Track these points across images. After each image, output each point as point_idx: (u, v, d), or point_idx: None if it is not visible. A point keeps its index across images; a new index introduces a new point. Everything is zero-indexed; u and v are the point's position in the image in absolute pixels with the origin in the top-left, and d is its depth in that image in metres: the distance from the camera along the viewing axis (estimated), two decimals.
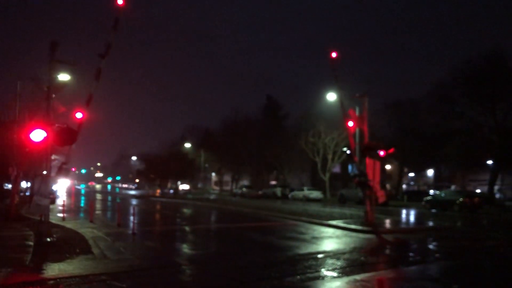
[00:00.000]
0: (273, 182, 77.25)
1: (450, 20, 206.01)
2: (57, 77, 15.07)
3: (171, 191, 73.64)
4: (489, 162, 46.33)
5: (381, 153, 19.33)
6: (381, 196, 19.75)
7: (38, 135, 13.06)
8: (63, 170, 14.29)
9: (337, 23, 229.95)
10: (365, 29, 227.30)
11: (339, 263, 11.47)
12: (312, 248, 14.20)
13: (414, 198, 45.85)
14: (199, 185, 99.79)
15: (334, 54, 19.25)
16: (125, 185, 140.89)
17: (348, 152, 21.99)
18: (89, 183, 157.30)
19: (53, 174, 14.19)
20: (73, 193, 68.95)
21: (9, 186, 33.78)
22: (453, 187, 56.94)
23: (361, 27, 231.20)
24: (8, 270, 10.01)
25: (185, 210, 33.78)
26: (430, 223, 23.47)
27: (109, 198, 55.85)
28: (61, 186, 60.79)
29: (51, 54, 14.16)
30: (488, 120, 42.42)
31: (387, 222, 22.69)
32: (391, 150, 20.65)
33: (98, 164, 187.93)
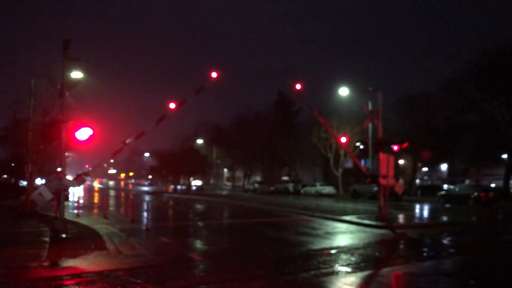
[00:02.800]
0: (285, 178, 77.15)
1: (465, 13, 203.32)
2: (70, 75, 15.20)
3: (183, 187, 73.96)
4: (504, 156, 45.73)
5: (395, 147, 19.16)
6: (399, 188, 19.52)
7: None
8: (80, 179, 14.47)
9: (349, 17, 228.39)
10: (378, 23, 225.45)
11: (353, 258, 11.42)
12: (325, 244, 14.16)
13: (428, 193, 45.46)
14: (211, 181, 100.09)
15: (298, 86, 19.39)
16: (136, 181, 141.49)
17: (361, 147, 21.91)
18: (98, 180, 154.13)
19: (69, 175, 14.34)
20: (86, 190, 69.61)
21: (24, 183, 34.26)
22: (467, 182, 56.35)
23: (374, 21, 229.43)
24: (25, 265, 10.14)
25: (198, 206, 33.91)
26: (445, 218, 23.27)
27: (122, 194, 56.27)
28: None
29: (64, 52, 14.26)
30: (503, 114, 41.81)
31: (401, 217, 22.54)
32: (405, 145, 20.45)
33: (112, 160, 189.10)
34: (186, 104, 16.50)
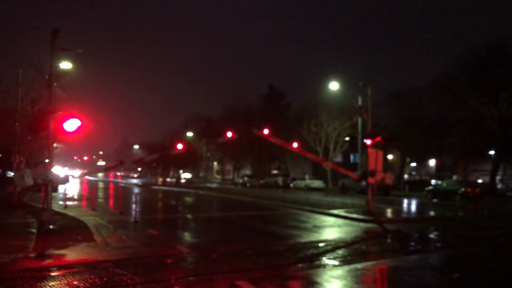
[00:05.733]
0: (275, 172, 77.26)
1: (455, 10, 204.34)
2: (59, 65, 15.06)
3: (173, 179, 73.81)
4: (491, 152, 46.20)
5: (384, 142, 19.27)
6: (389, 178, 19.60)
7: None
8: (66, 177, 14.92)
9: (340, 12, 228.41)
10: (369, 18, 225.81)
11: (340, 251, 11.51)
12: (313, 237, 14.25)
13: (415, 188, 45.76)
14: (201, 174, 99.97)
15: (266, 131, 20.38)
16: (125, 173, 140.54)
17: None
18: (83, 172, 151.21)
19: (57, 166, 14.58)
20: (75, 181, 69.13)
21: (12, 174, 33.93)
22: (455, 177, 56.85)
23: (365, 16, 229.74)
24: (11, 256, 10.08)
25: (187, 199, 33.89)
26: (432, 213, 23.49)
27: (111, 186, 56.02)
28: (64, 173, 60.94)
29: (52, 42, 14.11)
30: (491, 110, 42.15)
31: (389, 212, 22.72)
32: (394, 140, 20.61)
33: (100, 152, 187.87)
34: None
